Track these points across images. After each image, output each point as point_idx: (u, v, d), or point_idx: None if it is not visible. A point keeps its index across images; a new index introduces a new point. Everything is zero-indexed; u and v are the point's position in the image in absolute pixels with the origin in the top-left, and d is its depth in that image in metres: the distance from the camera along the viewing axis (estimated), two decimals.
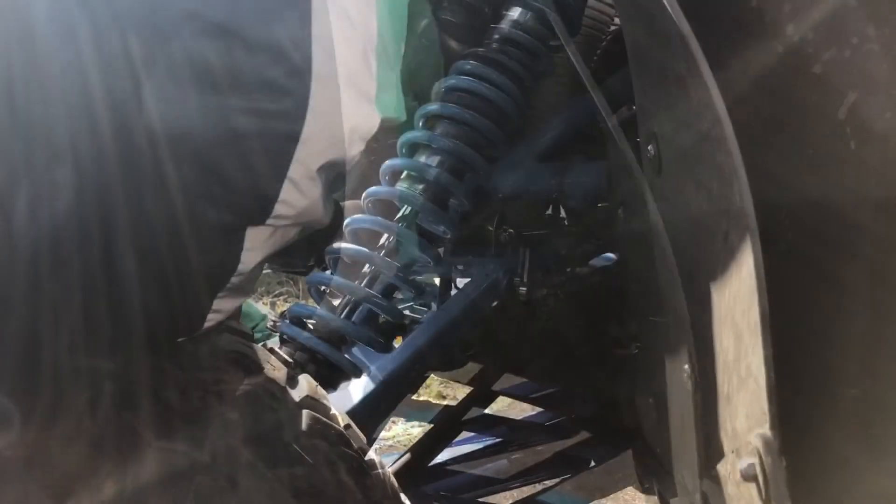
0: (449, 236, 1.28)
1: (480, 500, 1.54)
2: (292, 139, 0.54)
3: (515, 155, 1.38)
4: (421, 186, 1.22)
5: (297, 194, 0.56)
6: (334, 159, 0.57)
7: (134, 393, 0.72)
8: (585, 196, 1.32)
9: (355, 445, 0.80)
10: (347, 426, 0.82)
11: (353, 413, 1.17)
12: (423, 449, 1.40)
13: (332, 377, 1.16)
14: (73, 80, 0.50)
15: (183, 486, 0.70)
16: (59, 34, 0.49)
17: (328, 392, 1.20)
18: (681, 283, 0.73)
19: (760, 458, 0.51)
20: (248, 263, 0.59)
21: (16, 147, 0.47)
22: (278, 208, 0.56)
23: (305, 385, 0.83)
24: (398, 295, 1.30)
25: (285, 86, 0.52)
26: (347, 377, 1.18)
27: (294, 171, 0.54)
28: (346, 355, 1.18)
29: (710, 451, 0.68)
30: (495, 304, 1.33)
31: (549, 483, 1.50)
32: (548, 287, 1.35)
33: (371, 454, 0.83)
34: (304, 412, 0.78)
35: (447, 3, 1.25)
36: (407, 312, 1.43)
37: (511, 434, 1.51)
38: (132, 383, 0.72)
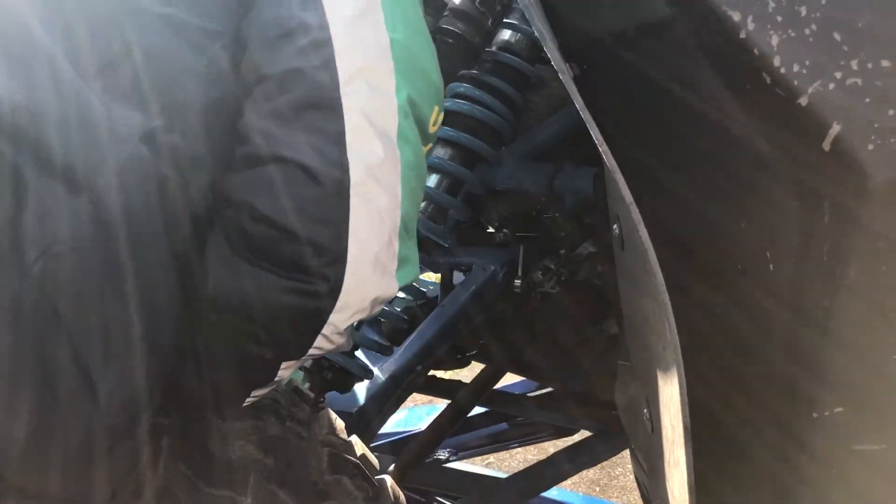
0: (447, 244, 1.41)
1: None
2: (326, 312, 0.68)
3: (508, 152, 1.48)
4: (422, 203, 1.34)
5: (327, 343, 0.70)
6: (360, 318, 0.71)
7: (186, 445, 0.87)
8: (576, 199, 1.43)
9: (370, 474, 0.96)
10: (363, 456, 0.98)
11: (363, 410, 1.33)
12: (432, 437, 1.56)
13: (345, 381, 1.31)
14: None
15: None
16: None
17: (342, 393, 1.37)
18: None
19: None
20: (282, 376, 0.73)
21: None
22: (310, 351, 0.70)
23: (326, 421, 0.99)
24: (400, 294, 1.44)
25: (324, 273, 0.66)
26: (360, 379, 1.34)
27: (325, 330, 0.69)
28: (356, 359, 1.34)
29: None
30: (493, 299, 1.47)
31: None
32: (542, 280, 1.49)
33: (385, 478, 0.99)
34: (326, 451, 0.94)
35: (442, 31, 1.34)
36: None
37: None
38: (184, 436, 0.88)
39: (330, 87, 0.68)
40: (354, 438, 1.01)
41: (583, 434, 1.65)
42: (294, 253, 0.67)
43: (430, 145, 0.81)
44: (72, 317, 0.61)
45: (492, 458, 2.61)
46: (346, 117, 0.68)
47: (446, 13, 1.35)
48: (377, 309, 0.73)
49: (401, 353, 1.36)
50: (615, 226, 0.89)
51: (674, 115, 0.76)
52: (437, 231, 1.36)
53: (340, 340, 0.72)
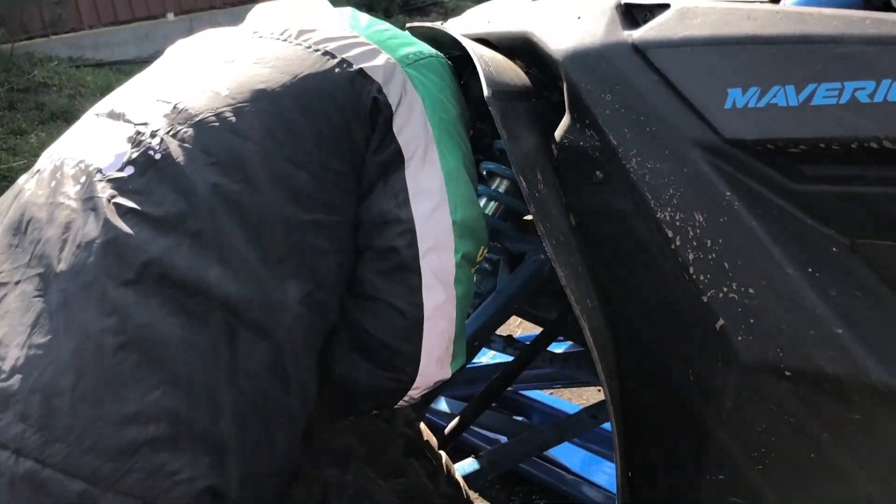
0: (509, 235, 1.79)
1: None
2: (405, 391, 1.11)
3: None
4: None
5: (404, 402, 1.14)
6: (426, 391, 1.13)
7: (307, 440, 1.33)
8: None
9: (431, 456, 1.40)
10: (427, 441, 1.42)
11: None
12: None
13: None
14: None
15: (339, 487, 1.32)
16: None
17: None
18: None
19: None
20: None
21: None
22: (395, 406, 1.14)
23: (402, 416, 1.42)
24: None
25: (406, 371, 1.09)
26: None
27: (404, 398, 1.13)
28: None
29: None
30: (540, 286, 1.85)
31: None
32: None
33: (442, 454, 1.43)
34: (401, 440, 1.38)
35: None
36: None
37: None
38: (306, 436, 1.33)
39: (413, 259, 1.07)
40: (421, 425, 1.45)
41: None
42: (389, 357, 1.08)
43: (477, 266, 1.20)
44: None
45: None
46: (422, 277, 1.07)
47: None
48: (438, 384, 1.15)
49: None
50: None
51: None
52: (502, 227, 1.74)
53: (413, 401, 1.15)
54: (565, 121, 1.13)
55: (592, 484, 2.33)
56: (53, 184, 1.03)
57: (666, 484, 1.14)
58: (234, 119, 1.03)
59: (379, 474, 1.35)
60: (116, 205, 0.96)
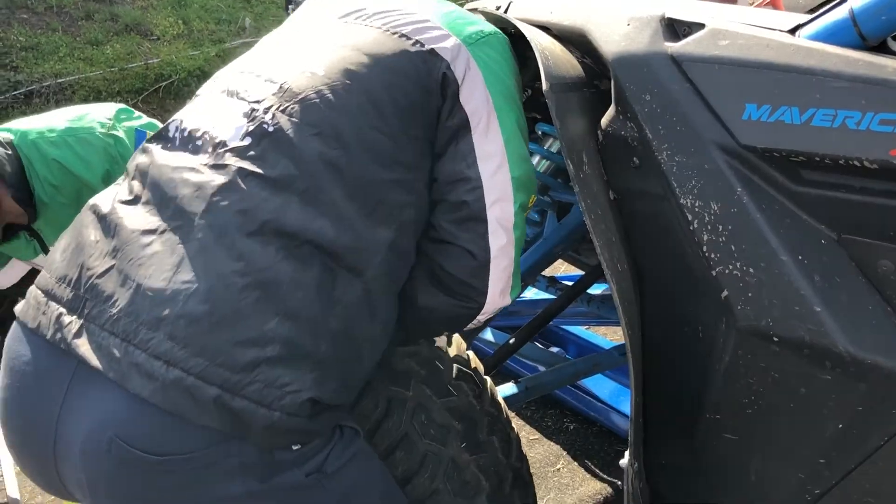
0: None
1: None
2: (475, 316, 1.35)
3: None
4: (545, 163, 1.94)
5: (472, 325, 1.38)
6: (491, 316, 1.37)
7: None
8: None
9: (478, 379, 1.66)
10: (475, 368, 1.67)
11: None
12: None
13: None
14: None
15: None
16: None
17: None
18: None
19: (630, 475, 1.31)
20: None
21: None
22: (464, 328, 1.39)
23: (455, 344, 1.68)
24: None
25: (477, 301, 1.32)
26: None
27: (473, 322, 1.37)
28: None
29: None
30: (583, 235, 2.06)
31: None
32: None
33: (487, 379, 1.69)
34: (455, 366, 1.64)
35: None
36: None
37: None
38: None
39: (481, 210, 1.29)
40: (470, 353, 1.70)
41: None
42: (462, 290, 1.33)
43: (528, 210, 1.41)
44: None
45: None
46: (489, 225, 1.30)
47: None
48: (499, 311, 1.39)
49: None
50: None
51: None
52: (552, 182, 1.95)
53: (479, 324, 1.40)
54: (611, 111, 1.33)
55: (619, 412, 2.59)
56: (185, 152, 1.25)
57: (672, 417, 1.38)
58: (330, 96, 1.25)
59: (434, 393, 1.61)
60: (239, 169, 1.19)
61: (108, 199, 1.28)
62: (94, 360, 1.11)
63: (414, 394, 1.59)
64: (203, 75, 5.83)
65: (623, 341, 2.38)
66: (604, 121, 1.34)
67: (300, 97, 1.24)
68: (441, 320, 1.39)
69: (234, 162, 1.20)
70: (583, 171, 1.29)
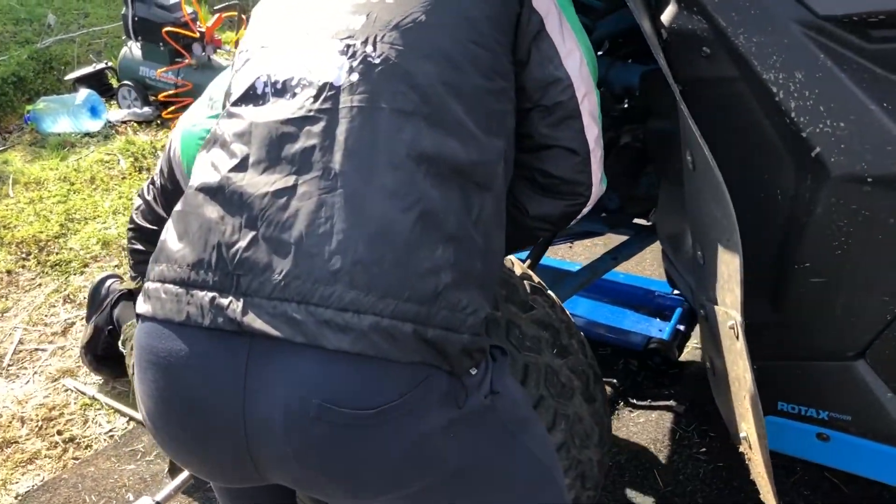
0: None
1: None
2: (581, 211, 1.44)
3: None
4: None
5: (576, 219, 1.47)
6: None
7: None
8: (623, 88, 2.11)
9: (544, 290, 1.75)
10: (539, 282, 1.76)
11: None
12: None
13: None
14: None
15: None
16: None
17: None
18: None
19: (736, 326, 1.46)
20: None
21: None
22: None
23: (518, 266, 1.76)
24: None
25: (584, 195, 1.40)
26: None
27: (578, 216, 1.45)
28: None
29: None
30: None
31: None
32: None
33: (545, 287, 1.78)
34: (527, 283, 1.72)
35: None
36: None
37: None
38: None
39: (575, 108, 1.35)
40: (532, 273, 1.79)
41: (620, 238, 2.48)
42: (569, 189, 1.40)
43: None
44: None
45: None
46: (583, 119, 1.37)
47: None
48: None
49: None
50: (687, 153, 1.61)
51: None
52: None
53: (581, 217, 1.48)
54: (672, 9, 1.45)
55: (601, 324, 2.78)
56: (286, 103, 1.21)
57: (754, 281, 1.54)
58: (424, 17, 1.25)
59: (518, 309, 1.69)
60: (359, 107, 1.17)
61: (210, 173, 1.22)
62: (274, 331, 1.07)
63: (503, 313, 1.66)
64: (20, 81, 5.34)
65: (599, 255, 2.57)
66: (665, 19, 1.46)
67: (395, 23, 1.24)
68: (553, 223, 1.45)
69: (350, 101, 1.19)
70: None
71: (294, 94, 1.21)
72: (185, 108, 4.47)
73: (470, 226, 1.20)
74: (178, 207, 1.23)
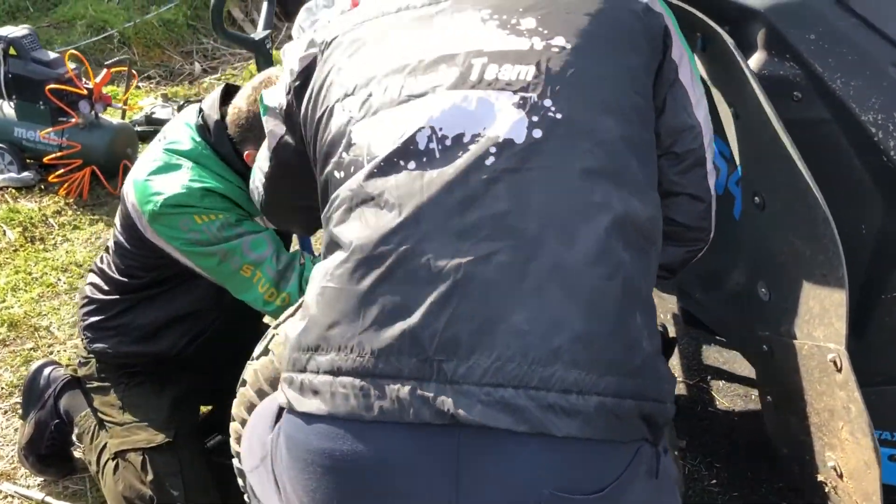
0: None
1: None
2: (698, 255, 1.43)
3: None
4: None
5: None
6: None
7: None
8: None
9: None
10: None
11: None
12: None
13: None
14: None
15: None
16: None
17: None
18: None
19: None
20: None
21: None
22: None
23: None
24: None
25: (705, 240, 1.41)
26: None
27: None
28: None
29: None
30: None
31: None
32: None
33: None
34: None
35: None
36: None
37: None
38: None
39: (702, 154, 1.35)
40: None
41: None
42: (692, 237, 1.39)
43: None
44: None
45: None
46: (707, 166, 1.37)
47: None
48: None
49: None
50: (754, 195, 1.65)
51: None
52: None
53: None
54: (761, 56, 1.49)
55: None
56: (461, 163, 1.11)
57: None
58: (594, 69, 1.19)
59: None
60: (549, 168, 1.11)
61: (371, 241, 1.08)
62: (495, 421, 0.99)
63: None
64: None
65: None
66: (754, 66, 1.50)
67: (568, 75, 1.17)
68: (672, 271, 1.43)
69: (537, 161, 1.11)
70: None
71: (467, 151, 1.12)
72: (73, 171, 4.12)
73: (650, 287, 1.16)
74: (328, 284, 1.10)
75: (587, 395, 1.02)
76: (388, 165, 1.14)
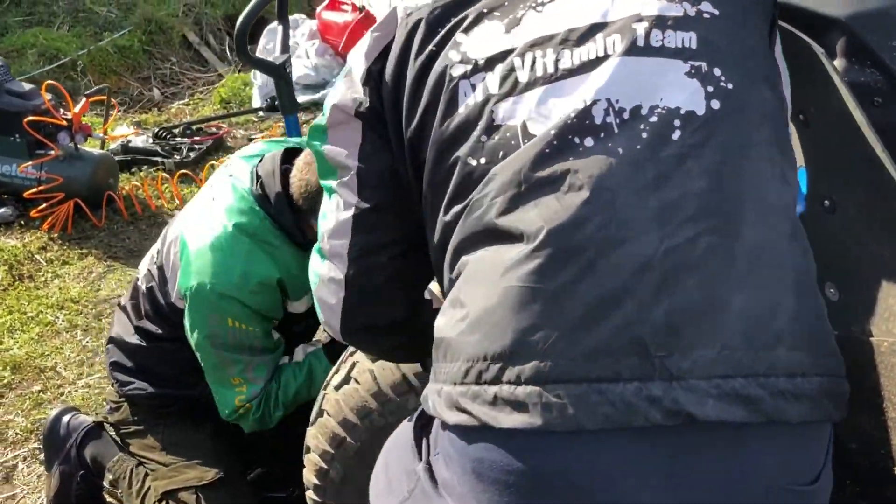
0: None
1: None
2: None
3: None
4: None
5: None
6: None
7: None
8: None
9: None
10: None
11: None
12: None
13: None
14: None
15: None
16: None
17: None
18: None
19: None
20: None
21: None
22: None
23: None
24: None
25: None
26: None
27: None
28: None
29: None
30: None
31: None
32: None
33: None
34: None
35: None
36: None
37: None
38: None
39: None
40: None
41: None
42: None
43: None
44: None
45: None
46: None
47: None
48: None
49: None
50: (825, 199, 1.70)
51: None
52: None
53: None
54: (842, 63, 1.53)
55: None
56: (646, 138, 1.02)
57: None
58: (740, 33, 1.12)
59: None
60: (748, 140, 1.05)
61: (563, 235, 0.98)
62: (730, 415, 0.93)
63: None
64: None
65: None
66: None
67: (725, 44, 1.10)
68: None
69: (723, 134, 1.04)
70: None
71: (649, 125, 1.03)
72: (56, 204, 3.98)
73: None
74: (512, 284, 0.98)
75: (810, 376, 0.98)
76: (563, 144, 1.03)
